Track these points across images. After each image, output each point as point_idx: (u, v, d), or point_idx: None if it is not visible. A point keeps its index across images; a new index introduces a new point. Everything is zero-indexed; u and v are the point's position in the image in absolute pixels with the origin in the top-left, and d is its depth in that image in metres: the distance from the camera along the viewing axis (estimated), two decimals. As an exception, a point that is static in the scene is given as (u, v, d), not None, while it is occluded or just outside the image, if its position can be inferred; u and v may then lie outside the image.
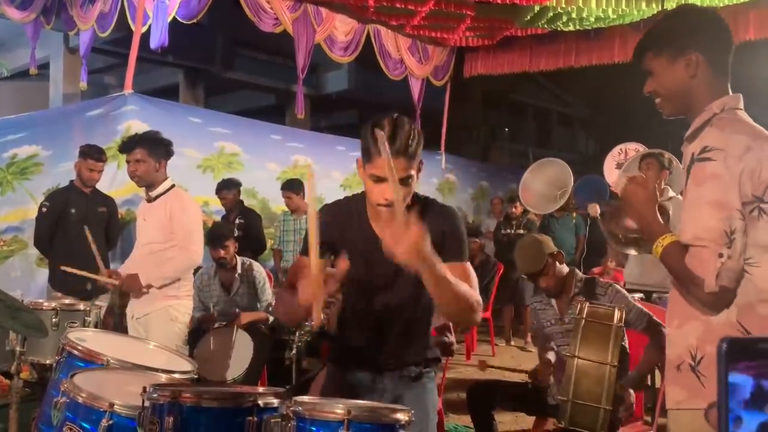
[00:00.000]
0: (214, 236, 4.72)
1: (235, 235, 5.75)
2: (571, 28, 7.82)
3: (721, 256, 1.57)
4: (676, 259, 1.66)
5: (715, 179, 1.60)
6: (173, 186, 3.71)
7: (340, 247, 2.03)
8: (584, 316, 2.80)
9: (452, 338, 3.36)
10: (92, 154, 4.74)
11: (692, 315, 1.70)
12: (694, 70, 1.73)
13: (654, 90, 1.81)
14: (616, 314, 2.81)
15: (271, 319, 4.74)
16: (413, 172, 1.90)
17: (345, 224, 2.08)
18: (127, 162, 3.66)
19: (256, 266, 4.94)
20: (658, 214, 1.77)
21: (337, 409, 1.78)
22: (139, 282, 3.52)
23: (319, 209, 2.11)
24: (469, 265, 2.02)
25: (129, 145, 3.63)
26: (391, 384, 2.12)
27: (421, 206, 2.00)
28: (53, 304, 3.29)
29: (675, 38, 1.75)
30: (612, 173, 7.30)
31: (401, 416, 1.83)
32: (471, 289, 1.93)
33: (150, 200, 3.65)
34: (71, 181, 4.89)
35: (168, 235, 3.56)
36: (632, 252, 2.11)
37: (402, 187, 1.84)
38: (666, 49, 1.76)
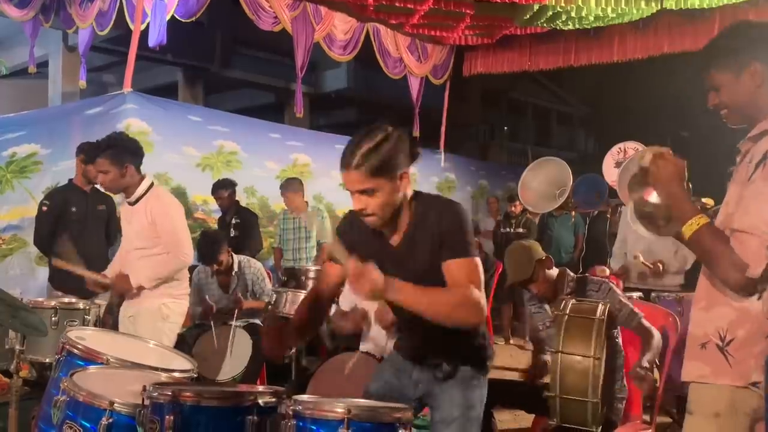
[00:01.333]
0: (204, 253, 4.63)
1: (232, 235, 5.76)
2: (571, 26, 7.82)
3: None
4: (711, 240, 1.76)
5: None
6: (152, 185, 3.58)
7: (358, 253, 2.06)
8: (567, 312, 2.82)
9: None
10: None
11: (722, 300, 1.82)
12: (760, 80, 1.84)
13: (720, 102, 1.92)
14: (599, 308, 2.81)
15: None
16: (372, 186, 1.96)
17: (360, 232, 2.14)
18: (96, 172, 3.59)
19: (254, 263, 4.93)
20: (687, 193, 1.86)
21: (337, 408, 1.79)
22: (129, 283, 3.47)
23: (342, 218, 2.27)
24: (470, 260, 2.01)
25: (90, 155, 3.52)
26: (426, 378, 2.22)
27: (422, 206, 2.08)
28: (53, 303, 3.29)
29: (738, 53, 1.86)
30: (611, 172, 7.29)
31: (401, 415, 1.83)
32: (451, 291, 1.96)
33: (131, 203, 3.55)
34: (70, 180, 4.88)
35: (153, 240, 3.48)
36: (642, 230, 2.13)
37: (368, 198, 1.97)
38: (730, 63, 1.87)
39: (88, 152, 3.51)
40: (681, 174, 1.84)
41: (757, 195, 1.74)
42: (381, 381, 2.35)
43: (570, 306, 2.85)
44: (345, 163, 1.97)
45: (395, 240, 2.11)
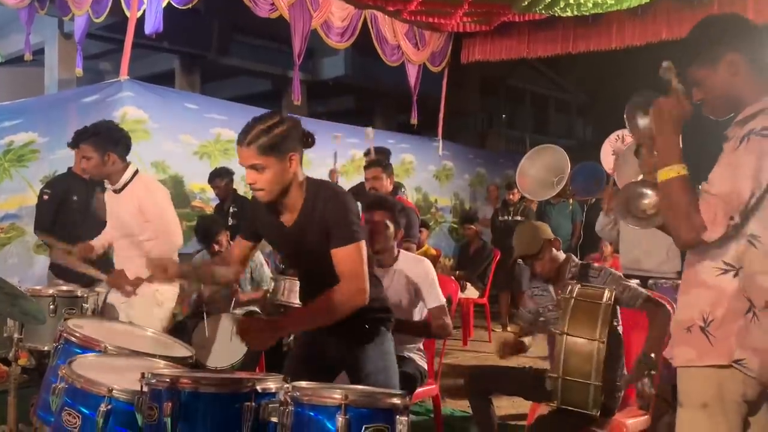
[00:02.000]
0: (203, 234, 4.69)
1: (230, 223, 5.76)
2: (569, 13, 7.79)
3: (732, 219, 1.72)
4: (679, 192, 1.78)
5: (765, 156, 1.72)
6: (137, 172, 3.61)
7: (260, 232, 2.49)
8: (574, 295, 2.85)
9: (448, 320, 3.38)
10: None
11: (699, 281, 1.86)
12: (736, 69, 1.86)
13: (703, 98, 1.94)
14: (606, 293, 2.84)
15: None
16: (260, 163, 2.19)
17: (262, 213, 2.41)
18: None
19: (252, 250, 4.95)
20: (680, 139, 1.86)
21: (335, 394, 1.80)
22: (127, 278, 3.46)
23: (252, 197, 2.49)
24: (353, 247, 2.22)
25: (74, 141, 3.56)
26: (336, 344, 2.46)
27: (312, 191, 2.30)
28: (51, 291, 3.29)
29: (710, 46, 1.89)
30: (609, 160, 7.29)
31: (398, 401, 1.84)
32: (333, 294, 2.21)
33: (117, 191, 3.57)
34: (69, 168, 4.86)
35: (142, 225, 3.50)
36: (633, 225, 2.17)
37: (257, 174, 2.21)
38: (705, 58, 1.89)
39: (74, 138, 3.55)
40: (681, 116, 1.85)
41: (737, 164, 1.75)
42: (301, 350, 2.63)
43: (576, 290, 2.88)
44: (239, 140, 2.23)
45: (288, 221, 2.33)
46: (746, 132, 1.78)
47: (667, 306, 2.98)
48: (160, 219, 3.52)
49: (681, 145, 1.85)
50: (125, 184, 3.54)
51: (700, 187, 1.89)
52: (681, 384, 1.91)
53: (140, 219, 3.49)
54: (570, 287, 2.91)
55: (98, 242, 3.74)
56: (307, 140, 2.30)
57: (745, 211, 1.73)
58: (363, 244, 2.26)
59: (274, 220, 2.37)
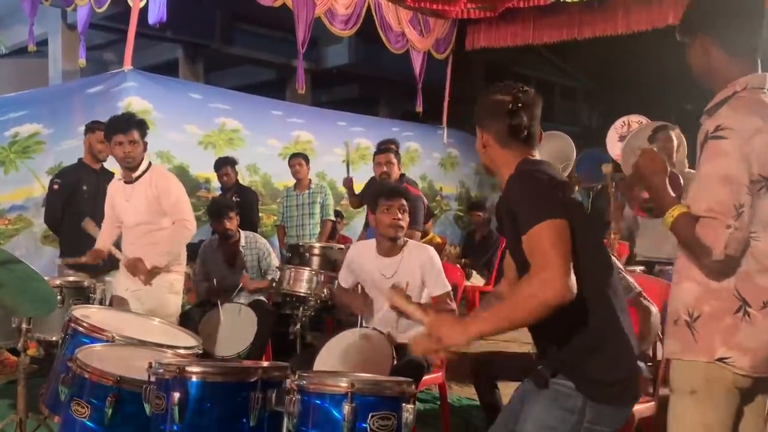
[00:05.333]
0: (215, 211, 4.79)
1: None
2: (574, -1, 7.73)
3: (729, 227, 1.70)
4: (685, 229, 1.78)
5: (726, 156, 1.74)
6: (150, 163, 3.79)
7: None
8: None
9: (453, 305, 3.39)
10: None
11: (691, 275, 1.85)
12: (706, 50, 1.89)
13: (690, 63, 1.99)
14: None
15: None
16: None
17: None
18: (120, 143, 3.63)
19: (260, 238, 5.00)
20: (669, 186, 1.89)
21: (341, 382, 1.81)
22: (145, 266, 3.57)
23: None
24: (539, 228, 1.76)
25: (127, 125, 3.66)
26: (527, 383, 1.97)
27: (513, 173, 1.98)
28: (58, 281, 3.31)
29: (688, 23, 1.95)
30: (615, 146, 7.27)
31: (404, 389, 1.85)
32: (517, 291, 1.76)
33: (131, 181, 3.70)
34: (80, 159, 4.87)
35: (160, 213, 3.64)
36: (646, 217, 2.21)
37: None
38: (685, 33, 1.95)
39: (126, 123, 3.63)
40: (662, 170, 1.91)
41: (704, 177, 1.77)
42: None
43: None
44: None
45: None
46: (703, 137, 1.80)
47: (653, 308, 3.00)
48: (179, 205, 3.66)
49: (670, 190, 1.88)
50: (141, 174, 3.68)
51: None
52: (671, 372, 1.93)
53: (157, 207, 3.63)
54: None
55: (103, 244, 3.84)
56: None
57: (737, 214, 1.71)
58: (554, 223, 1.75)
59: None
